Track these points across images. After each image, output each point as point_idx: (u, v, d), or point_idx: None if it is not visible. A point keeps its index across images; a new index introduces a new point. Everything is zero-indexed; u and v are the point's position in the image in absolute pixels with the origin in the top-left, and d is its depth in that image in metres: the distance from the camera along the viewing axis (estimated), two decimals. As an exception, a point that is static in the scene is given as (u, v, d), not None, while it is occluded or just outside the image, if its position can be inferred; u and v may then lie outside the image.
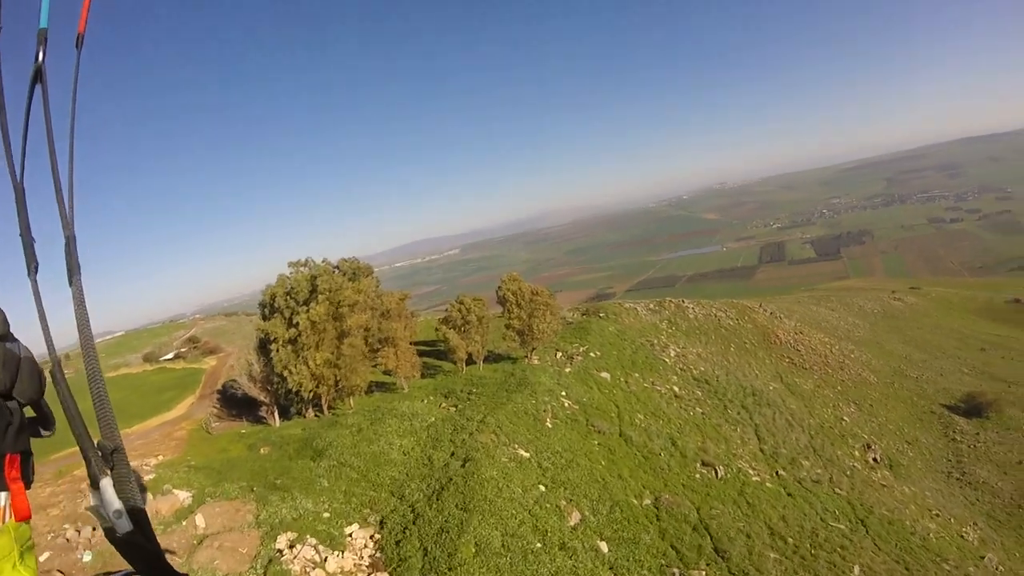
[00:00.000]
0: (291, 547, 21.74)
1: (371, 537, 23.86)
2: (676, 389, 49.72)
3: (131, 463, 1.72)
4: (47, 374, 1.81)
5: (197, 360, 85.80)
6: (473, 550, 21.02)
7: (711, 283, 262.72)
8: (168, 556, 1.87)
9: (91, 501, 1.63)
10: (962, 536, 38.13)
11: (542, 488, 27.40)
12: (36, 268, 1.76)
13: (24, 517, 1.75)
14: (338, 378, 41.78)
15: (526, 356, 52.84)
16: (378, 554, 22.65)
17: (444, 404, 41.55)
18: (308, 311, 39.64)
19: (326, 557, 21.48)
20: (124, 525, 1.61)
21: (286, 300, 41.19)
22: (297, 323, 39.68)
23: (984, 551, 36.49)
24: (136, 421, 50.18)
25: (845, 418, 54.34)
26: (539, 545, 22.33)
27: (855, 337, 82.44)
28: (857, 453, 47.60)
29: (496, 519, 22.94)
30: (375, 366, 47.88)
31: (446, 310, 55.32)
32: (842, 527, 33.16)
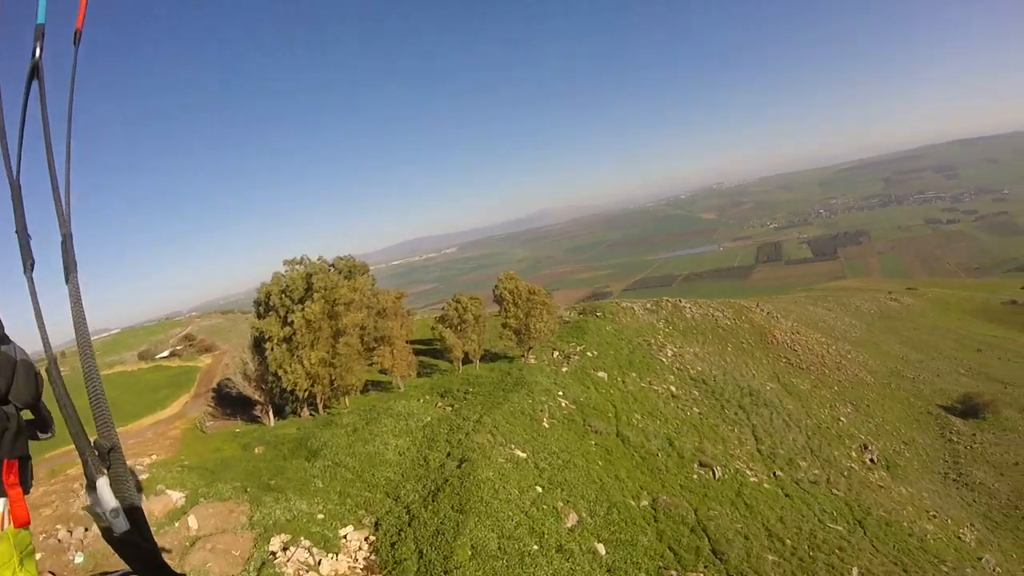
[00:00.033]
0: (284, 549, 21.44)
1: (366, 539, 23.57)
2: (673, 389, 49.54)
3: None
4: (43, 372, 1.77)
5: (192, 358, 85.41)
6: (469, 553, 20.74)
7: (708, 283, 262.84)
8: (164, 555, 1.81)
9: (87, 501, 1.62)
10: (959, 537, 38.05)
11: (539, 489, 27.15)
12: (32, 265, 1.75)
13: (23, 523, 1.70)
14: (333, 377, 41.48)
15: (523, 355, 52.60)
16: (373, 556, 22.37)
17: (440, 404, 41.27)
18: (303, 309, 39.35)
19: (320, 560, 21.20)
20: (121, 525, 1.58)
21: (281, 298, 40.88)
22: (292, 321, 39.39)
23: (981, 552, 36.43)
24: (130, 420, 49.77)
25: (842, 418, 54.23)
26: (536, 547, 22.07)
27: (852, 337, 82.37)
28: (854, 454, 47.49)
29: (492, 521, 22.65)
30: (371, 365, 47.59)
31: (443, 309, 55.07)
32: (840, 528, 33.03)
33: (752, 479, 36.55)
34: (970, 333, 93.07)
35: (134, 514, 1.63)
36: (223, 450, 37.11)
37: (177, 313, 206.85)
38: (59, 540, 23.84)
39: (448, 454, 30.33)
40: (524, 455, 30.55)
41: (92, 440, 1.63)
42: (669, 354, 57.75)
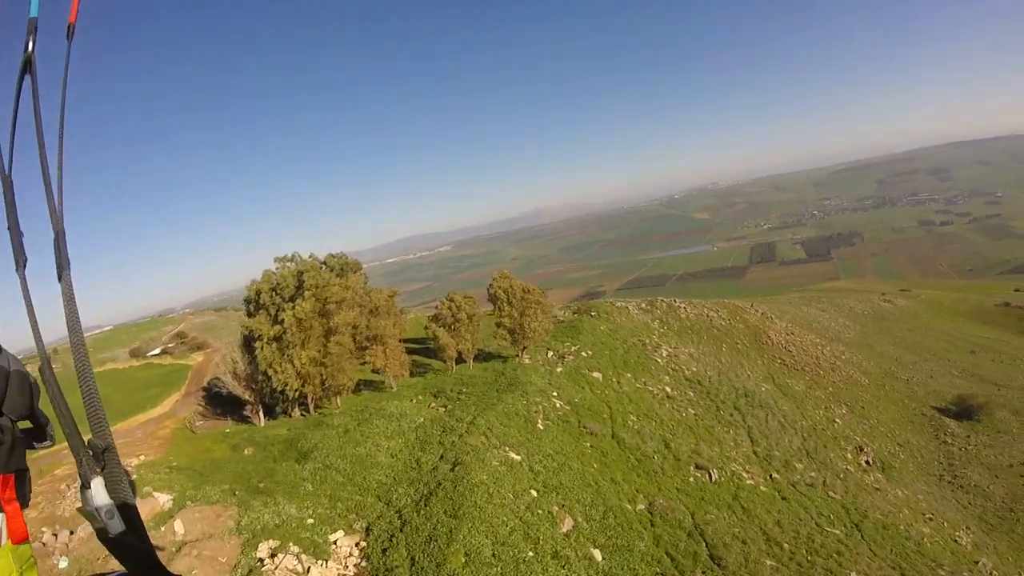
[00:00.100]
0: (272, 556, 20.81)
1: (356, 545, 22.95)
2: (668, 390, 49.20)
3: None
4: (38, 380, 1.75)
5: (184, 356, 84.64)
6: (463, 560, 20.19)
7: (701, 283, 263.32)
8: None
9: (82, 501, 1.58)
10: (955, 540, 37.85)
11: (534, 493, 26.63)
12: (25, 263, 1.71)
13: (21, 539, 1.68)
14: (324, 377, 40.80)
15: (517, 355, 52.13)
16: (363, 563, 21.72)
17: (433, 404, 40.73)
18: (294, 308, 38.64)
19: (309, 567, 20.55)
20: (116, 525, 1.56)
21: (271, 296, 40.17)
22: (282, 320, 38.67)
23: (978, 556, 36.21)
24: (119, 419, 48.96)
25: (837, 420, 54.07)
26: (531, 554, 21.54)
27: (845, 338, 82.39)
28: (850, 456, 47.29)
29: (486, 526, 22.11)
30: (363, 364, 46.96)
31: (436, 307, 54.51)
32: (837, 532, 32.74)
33: (748, 482, 36.23)
34: (963, 335, 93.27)
35: (129, 514, 1.60)
36: (212, 451, 36.43)
37: (170, 310, 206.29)
38: (43, 544, 23.26)
39: (441, 456, 29.75)
40: (518, 458, 30.03)
41: (86, 440, 1.60)
42: (664, 354, 57.45)
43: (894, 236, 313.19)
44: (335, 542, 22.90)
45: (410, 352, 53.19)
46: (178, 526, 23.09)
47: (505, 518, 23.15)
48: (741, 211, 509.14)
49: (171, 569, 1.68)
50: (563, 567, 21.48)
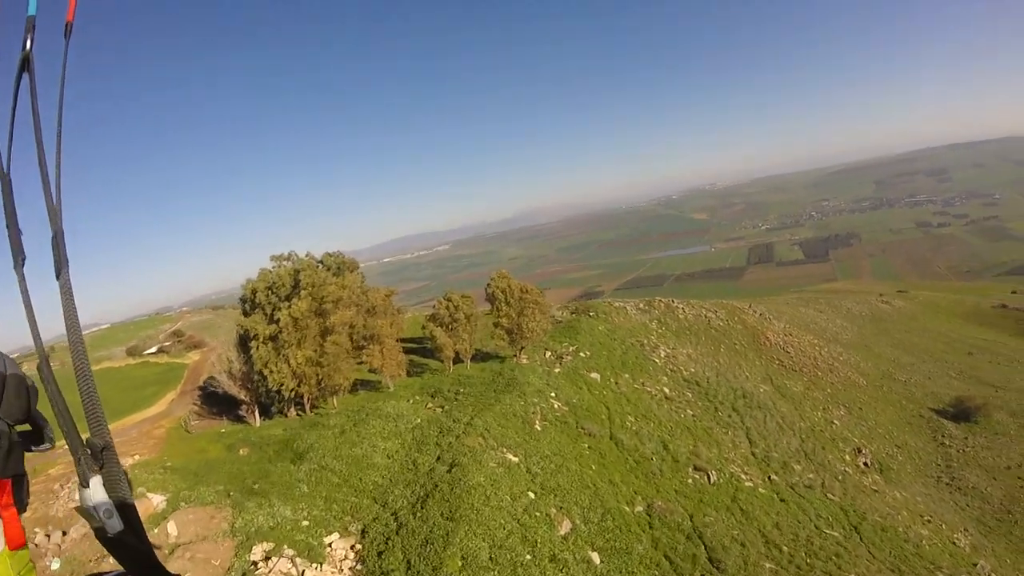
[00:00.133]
0: (267, 559, 20.53)
1: (352, 547, 22.65)
2: (666, 391, 49.03)
3: None
4: (37, 382, 1.73)
5: (180, 355, 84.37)
6: (459, 563, 19.94)
7: (699, 283, 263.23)
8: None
9: (80, 500, 1.56)
10: (954, 543, 37.73)
11: (531, 495, 26.39)
12: (23, 261, 1.70)
13: (18, 545, 1.67)
14: (320, 377, 40.46)
15: (515, 355, 51.87)
16: (359, 566, 21.43)
17: (430, 404, 40.46)
18: (290, 307, 38.32)
19: (303, 570, 20.27)
20: (115, 525, 1.54)
21: (267, 295, 39.84)
22: (278, 319, 38.34)
23: (976, 558, 36.08)
24: (115, 418, 48.70)
25: (835, 421, 53.95)
26: (529, 557, 21.31)
27: (843, 339, 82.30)
28: (848, 457, 47.17)
29: (484, 529, 21.87)
30: (360, 364, 46.67)
31: (434, 307, 54.24)
32: (836, 535, 32.57)
33: (747, 483, 36.05)
34: (961, 336, 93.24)
35: (128, 513, 1.58)
36: (207, 451, 36.16)
37: (168, 308, 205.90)
38: (36, 545, 23.02)
39: (438, 458, 29.49)
40: (516, 459, 29.81)
41: (85, 439, 1.57)
42: (662, 355, 57.29)
43: (891, 237, 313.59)
44: (330, 545, 22.61)
45: (407, 352, 52.91)
46: (171, 528, 22.82)
47: (502, 521, 22.92)
48: (739, 212, 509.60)
49: None
50: (561, 570, 21.27)
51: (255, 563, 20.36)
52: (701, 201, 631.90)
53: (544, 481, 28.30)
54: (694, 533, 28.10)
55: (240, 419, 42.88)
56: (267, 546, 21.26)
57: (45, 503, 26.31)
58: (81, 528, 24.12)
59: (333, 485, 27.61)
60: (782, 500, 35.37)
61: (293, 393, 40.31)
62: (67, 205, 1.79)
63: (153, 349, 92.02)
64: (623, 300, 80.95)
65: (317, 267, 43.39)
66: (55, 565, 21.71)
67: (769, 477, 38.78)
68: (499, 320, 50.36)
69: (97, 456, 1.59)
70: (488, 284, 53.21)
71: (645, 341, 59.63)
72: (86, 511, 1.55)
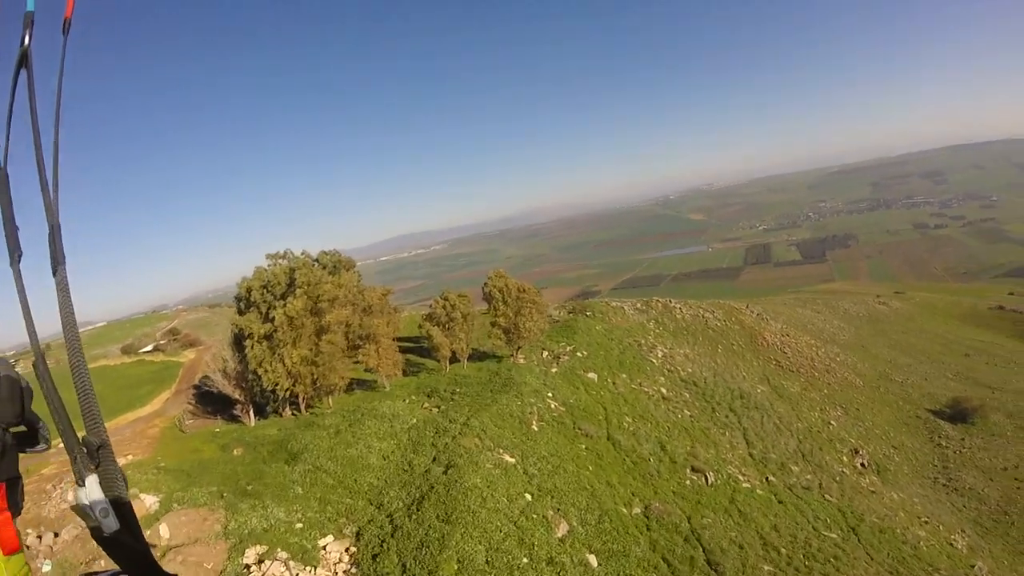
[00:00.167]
0: (259, 562, 20.22)
1: (346, 550, 22.34)
2: (664, 391, 48.84)
3: None
4: (34, 379, 1.69)
5: (176, 353, 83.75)
6: (455, 567, 19.66)
7: (696, 283, 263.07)
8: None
9: (76, 499, 1.56)
10: (951, 544, 37.67)
11: (528, 497, 26.13)
12: (20, 257, 1.68)
13: (13, 550, 1.63)
14: (316, 376, 40.11)
15: (512, 355, 51.62)
16: (353, 570, 21.12)
17: (427, 404, 40.18)
18: (285, 306, 37.95)
19: (297, 574, 20.00)
20: (111, 524, 1.54)
21: (262, 294, 39.48)
22: (273, 318, 37.98)
23: (973, 559, 36.02)
24: (109, 417, 48.23)
25: (832, 422, 53.88)
26: (526, 560, 21.04)
27: (840, 340, 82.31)
28: (845, 458, 47.10)
29: (480, 532, 21.58)
30: (356, 363, 46.34)
31: (430, 306, 53.94)
32: (834, 536, 32.43)
33: (745, 485, 35.88)
34: (958, 337, 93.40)
35: (124, 512, 1.57)
36: (201, 451, 35.83)
37: (164, 306, 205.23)
38: (28, 547, 22.69)
39: (434, 459, 29.21)
40: (513, 460, 29.56)
41: (80, 437, 1.57)
42: (659, 355, 57.10)
43: (889, 238, 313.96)
44: (324, 547, 22.31)
45: (404, 351, 52.61)
46: (163, 530, 22.53)
47: (499, 523, 22.65)
48: (736, 212, 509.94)
49: None
50: (558, 574, 21.03)
51: (248, 566, 20.06)
52: (698, 201, 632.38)
53: (541, 482, 28.05)
54: (692, 535, 27.90)
55: (235, 419, 42.53)
56: (260, 549, 20.95)
57: (37, 504, 26.01)
58: (73, 530, 23.82)
59: (328, 486, 27.30)
60: (780, 501, 35.21)
61: (288, 393, 39.97)
62: (65, 201, 1.78)
63: (149, 347, 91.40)
64: (620, 300, 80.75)
65: (313, 265, 43.06)
66: (46, 568, 21.44)
67: (767, 478, 38.63)
68: (496, 319, 50.10)
69: (93, 455, 1.57)
70: (485, 283, 52.92)
71: (642, 341, 59.44)
72: (82, 510, 1.53)
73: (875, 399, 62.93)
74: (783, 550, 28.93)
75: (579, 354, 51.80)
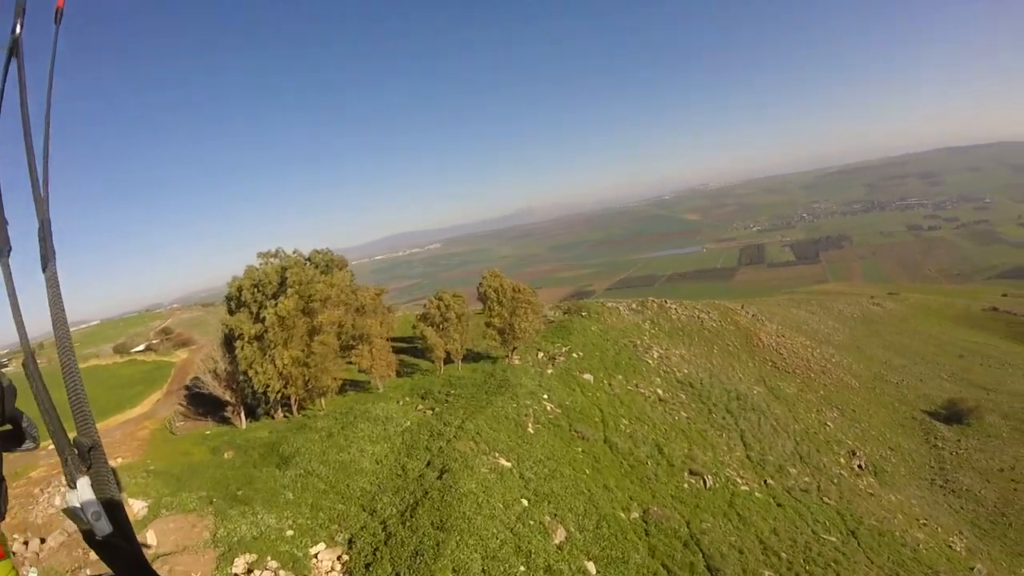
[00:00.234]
0: (249, 572, 19.58)
1: (338, 559, 21.69)
2: (660, 392, 48.45)
3: None
4: (21, 367, 1.65)
5: (168, 352, 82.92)
6: (450, 576, 19.13)
7: (690, 283, 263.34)
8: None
9: (67, 502, 1.49)
10: (949, 546, 37.46)
11: (525, 502, 25.59)
12: (9, 252, 1.66)
13: None
14: (307, 378, 39.45)
15: (507, 356, 51.09)
16: (345, 579, 20.62)
17: (421, 406, 39.59)
18: (276, 305, 37.28)
19: (287, 584, 19.42)
20: (103, 527, 1.48)
21: (253, 293, 38.81)
22: (264, 318, 37.31)
23: (972, 561, 35.82)
24: (99, 418, 47.26)
25: (829, 424, 53.64)
26: (523, 569, 20.49)
27: (835, 341, 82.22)
28: (842, 460, 46.85)
29: (476, 540, 20.99)
30: (349, 364, 45.71)
31: (424, 306, 53.36)
32: (833, 539, 32.11)
33: (743, 487, 35.50)
34: (952, 339, 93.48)
35: (116, 515, 1.50)
36: (192, 454, 35.20)
37: (158, 305, 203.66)
38: (14, 553, 22.02)
39: (428, 463, 28.60)
40: (508, 464, 29.01)
41: (72, 438, 1.52)
42: (655, 356, 56.73)
43: (882, 240, 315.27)
44: (316, 556, 21.66)
45: (398, 351, 52.01)
46: (150, 537, 21.90)
47: (495, 530, 22.06)
48: (731, 213, 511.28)
49: None
50: (556, 582, 20.49)
51: (236, 576, 19.45)
52: (693, 202, 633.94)
53: (537, 487, 27.51)
54: (691, 540, 27.44)
55: (226, 420, 41.84)
56: (250, 558, 20.31)
57: (24, 508, 25.41)
58: (59, 536, 23.22)
59: (319, 492, 26.64)
60: (779, 505, 34.86)
61: (279, 394, 39.34)
62: (56, 196, 1.74)
63: (141, 347, 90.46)
64: (616, 300, 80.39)
65: (305, 264, 42.43)
66: (32, 575, 20.85)
67: (765, 481, 38.27)
68: (491, 320, 49.56)
69: (84, 456, 1.51)
70: (480, 283, 52.37)
71: (638, 342, 59.05)
72: (73, 513, 1.46)
73: (871, 400, 62.77)
74: (783, 554, 28.56)
75: (574, 355, 51.32)
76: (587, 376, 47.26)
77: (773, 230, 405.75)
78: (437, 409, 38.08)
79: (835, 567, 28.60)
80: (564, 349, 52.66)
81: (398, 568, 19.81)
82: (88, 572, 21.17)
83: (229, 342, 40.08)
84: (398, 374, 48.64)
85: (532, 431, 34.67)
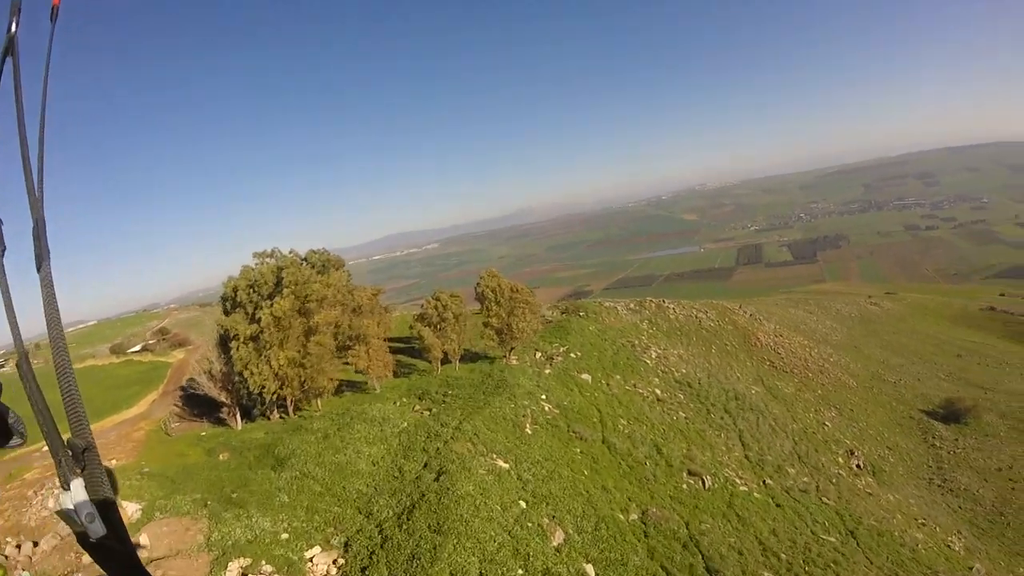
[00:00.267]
0: (243, 576, 19.37)
1: (334, 562, 21.42)
2: (658, 392, 48.31)
3: None
4: (13, 366, 1.66)
5: (165, 353, 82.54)
6: (448, 579, 18.87)
7: (688, 283, 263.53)
8: None
9: (61, 504, 1.49)
10: (948, 546, 37.38)
11: (523, 504, 25.35)
12: (2, 251, 1.65)
13: None
14: (304, 379, 39.13)
15: (504, 356, 50.91)
16: (341, 583, 20.36)
17: (418, 407, 39.34)
18: (272, 306, 36.99)
19: (282, 588, 19.16)
20: (97, 529, 1.48)
21: (249, 294, 38.49)
22: (260, 319, 37.00)
23: (971, 561, 35.73)
24: (94, 419, 47.11)
25: (827, 423, 53.56)
26: (521, 572, 20.24)
27: (833, 341, 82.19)
28: (841, 460, 46.76)
29: (473, 543, 20.73)
30: (345, 364, 45.45)
31: (422, 306, 53.14)
32: (833, 540, 31.98)
33: (742, 488, 35.35)
34: (949, 338, 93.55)
35: (110, 517, 1.50)
36: (187, 455, 34.89)
37: (156, 305, 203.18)
38: (6, 556, 21.82)
39: (425, 464, 28.35)
40: (506, 465, 28.79)
41: (65, 439, 1.52)
42: (653, 356, 56.59)
43: (880, 240, 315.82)
44: (311, 559, 21.37)
45: (395, 351, 51.76)
46: (144, 540, 21.64)
47: (493, 533, 21.81)
48: (728, 213, 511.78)
49: None
50: (554, 585, 20.27)
51: (231, 580, 19.19)
52: (691, 202, 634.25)
53: (535, 489, 27.29)
54: (690, 541, 27.26)
55: (221, 422, 41.57)
56: (244, 562, 20.04)
57: (17, 511, 25.17)
58: (52, 539, 22.98)
59: (315, 494, 26.35)
60: (778, 505, 34.73)
61: (275, 395, 39.04)
62: (49, 194, 1.71)
63: (137, 347, 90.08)
64: (613, 300, 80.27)
65: (301, 265, 42.12)
66: None
67: (764, 481, 38.13)
68: (489, 320, 49.35)
69: (79, 457, 1.50)
70: (478, 283, 52.15)
71: (636, 342, 58.92)
72: (67, 515, 1.46)
73: (869, 400, 62.72)
74: (783, 555, 28.40)
75: (572, 355, 51.16)
76: (585, 376, 47.09)
77: (771, 230, 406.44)
78: (434, 410, 37.84)
79: (834, 568, 28.45)
80: (562, 349, 52.50)
81: (394, 572, 19.55)
82: None
83: (224, 343, 39.78)
84: (395, 374, 48.41)
85: (530, 432, 34.47)
